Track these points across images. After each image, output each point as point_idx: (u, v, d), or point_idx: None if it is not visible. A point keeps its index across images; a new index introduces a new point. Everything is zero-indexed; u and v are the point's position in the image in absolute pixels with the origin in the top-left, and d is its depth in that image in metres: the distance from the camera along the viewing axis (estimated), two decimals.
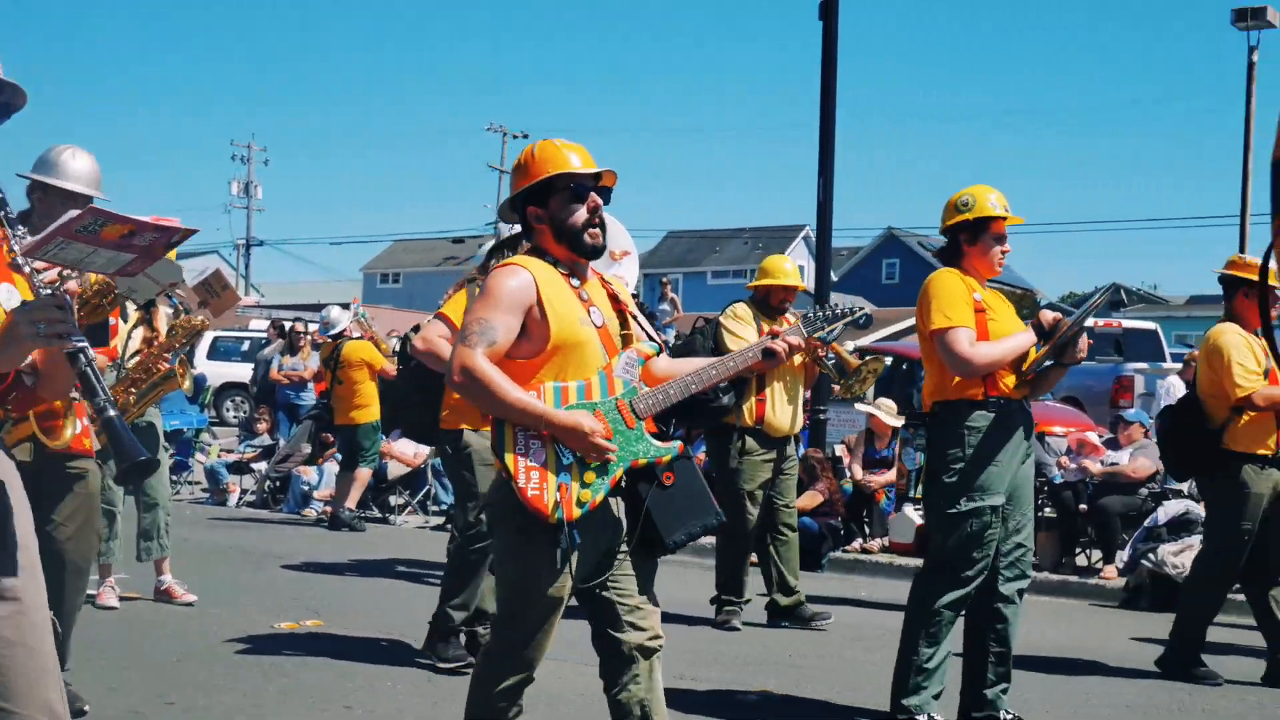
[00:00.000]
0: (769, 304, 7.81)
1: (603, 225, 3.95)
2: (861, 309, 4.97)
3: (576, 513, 3.73)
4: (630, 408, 3.87)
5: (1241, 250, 22.87)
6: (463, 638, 6.34)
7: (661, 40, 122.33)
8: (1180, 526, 9.50)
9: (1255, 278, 6.61)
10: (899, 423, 11.52)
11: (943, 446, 5.35)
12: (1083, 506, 10.61)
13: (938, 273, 5.48)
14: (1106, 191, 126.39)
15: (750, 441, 7.70)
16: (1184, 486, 10.55)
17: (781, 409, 7.72)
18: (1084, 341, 5.38)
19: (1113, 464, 10.83)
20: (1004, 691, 5.47)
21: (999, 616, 5.39)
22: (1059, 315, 5.44)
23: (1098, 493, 10.54)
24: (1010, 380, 5.32)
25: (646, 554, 3.98)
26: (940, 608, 5.29)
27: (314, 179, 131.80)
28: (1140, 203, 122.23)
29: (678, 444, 4.01)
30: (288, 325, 18.02)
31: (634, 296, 4.53)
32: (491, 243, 6.98)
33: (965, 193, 5.50)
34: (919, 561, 10.48)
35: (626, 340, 3.98)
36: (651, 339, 4.13)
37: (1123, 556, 10.10)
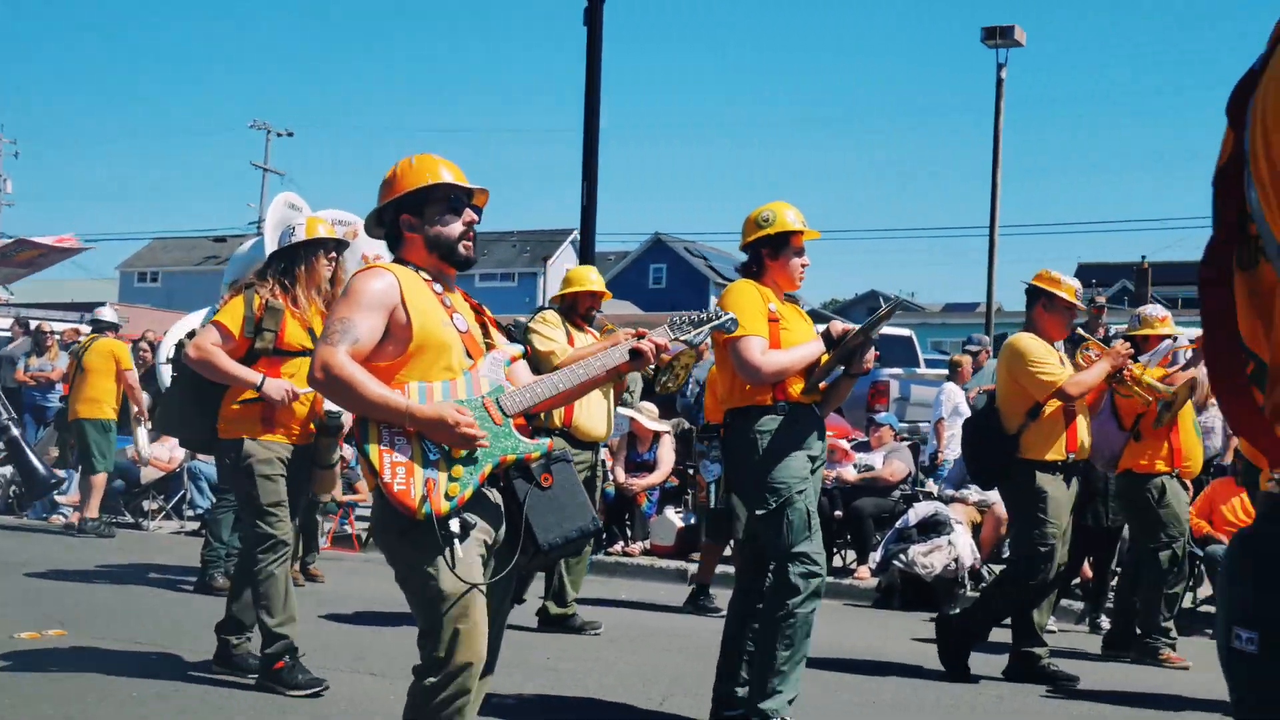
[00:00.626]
0: (576, 311, 7.87)
1: (475, 239, 4.02)
2: (729, 314, 4.97)
3: (445, 507, 3.68)
4: (497, 405, 3.87)
5: (991, 260, 23.96)
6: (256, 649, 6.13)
7: (428, 41, 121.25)
8: (930, 528, 9.81)
9: (1059, 292, 7.03)
10: (660, 426, 11.62)
11: (737, 452, 5.45)
12: (838, 513, 10.86)
13: (736, 283, 5.58)
14: (865, 201, 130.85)
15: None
16: (934, 489, 10.98)
17: (592, 413, 7.73)
18: (871, 352, 5.54)
19: (868, 467, 11.18)
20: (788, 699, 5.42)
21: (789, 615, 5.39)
22: (849, 326, 5.60)
23: (851, 495, 10.86)
24: (798, 387, 5.42)
25: (513, 552, 3.89)
26: (796, 608, 5.28)
27: (68, 173, 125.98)
28: (898, 213, 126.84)
29: (548, 442, 4.00)
30: (34, 324, 17.15)
31: None
32: (253, 241, 6.80)
33: (765, 209, 5.61)
34: (680, 564, 10.80)
35: (489, 348, 4.01)
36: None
37: (875, 557, 10.43)
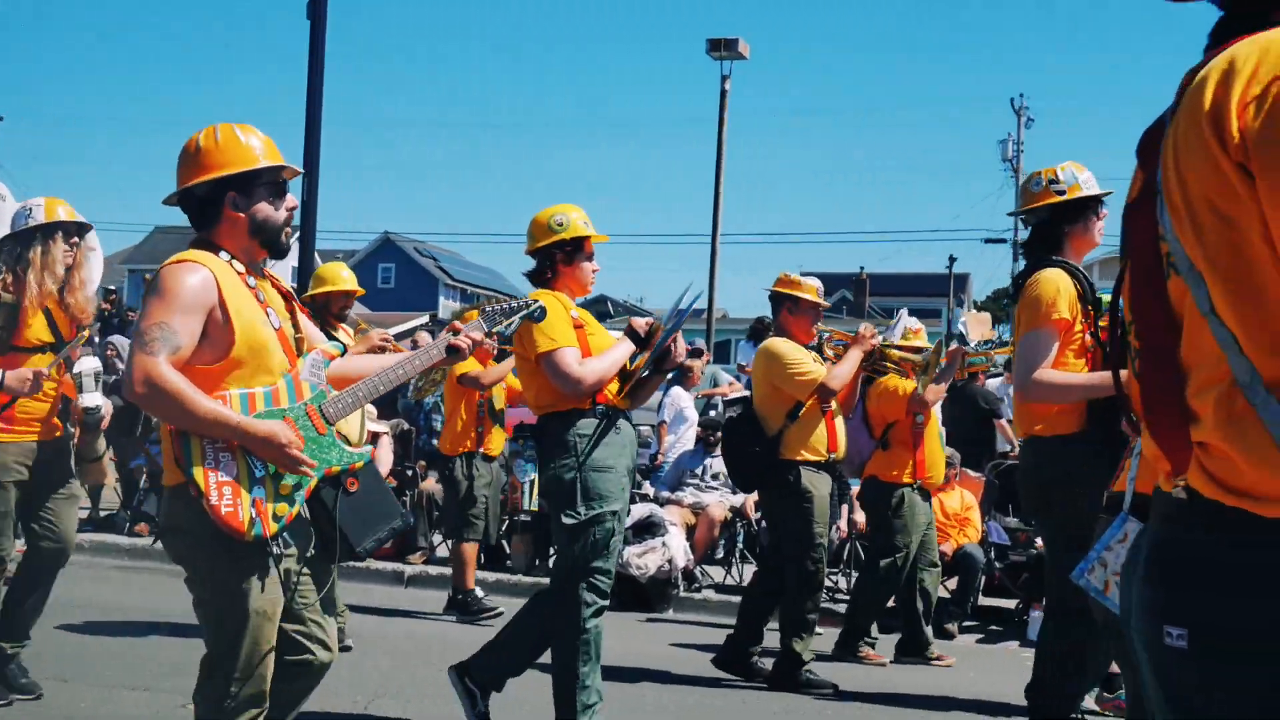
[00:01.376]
0: (330, 310, 7.62)
1: (293, 226, 3.87)
2: (537, 302, 4.84)
3: (274, 528, 3.53)
4: (320, 413, 3.71)
5: (712, 267, 24.47)
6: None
7: (143, 30, 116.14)
8: (644, 529, 9.85)
9: (802, 294, 7.19)
10: (378, 427, 11.38)
11: (555, 457, 5.28)
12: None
13: (536, 295, 5.32)
14: (595, 206, 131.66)
15: None
16: (650, 491, 11.09)
17: (350, 417, 7.51)
18: (681, 347, 5.44)
19: None
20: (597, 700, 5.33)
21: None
22: (652, 321, 5.50)
23: None
24: (613, 389, 5.31)
25: (329, 559, 3.80)
26: (585, 621, 5.17)
27: None
28: (627, 219, 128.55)
29: (370, 449, 3.89)
30: None
31: None
32: None
33: (556, 213, 5.45)
34: (396, 565, 10.48)
35: (299, 342, 3.81)
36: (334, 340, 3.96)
37: None
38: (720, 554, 10.74)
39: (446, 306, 52.24)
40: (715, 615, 9.30)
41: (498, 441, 8.89)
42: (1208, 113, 1.73)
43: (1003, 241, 42.78)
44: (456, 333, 4.19)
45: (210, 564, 3.57)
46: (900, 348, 7.90)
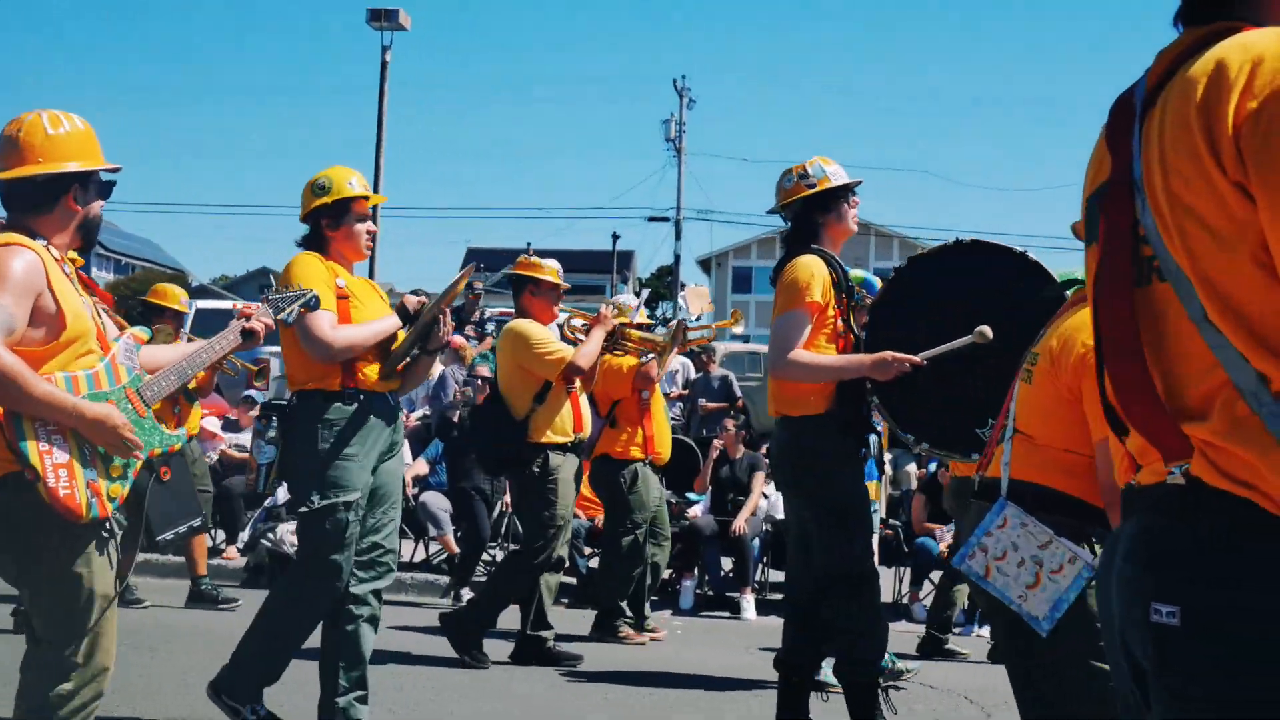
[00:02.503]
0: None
1: None
2: (311, 291, 4.63)
3: (110, 509, 3.55)
4: (139, 395, 3.72)
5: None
6: None
7: None
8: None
9: (543, 275, 7.28)
10: None
11: (297, 440, 5.04)
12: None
13: (298, 256, 5.09)
14: (253, 176, 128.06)
15: None
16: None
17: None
18: (448, 325, 5.23)
19: (240, 447, 10.97)
20: (359, 700, 5.14)
21: (349, 618, 5.10)
22: (424, 299, 5.26)
23: (220, 475, 10.57)
24: (372, 371, 5.10)
25: (132, 546, 3.82)
26: (301, 613, 5.01)
27: None
28: (287, 189, 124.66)
29: (185, 431, 3.91)
30: None
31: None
32: None
33: (322, 175, 5.19)
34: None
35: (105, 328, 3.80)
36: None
37: (244, 536, 10.22)
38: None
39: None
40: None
41: (194, 422, 8.60)
42: (1200, 125, 1.73)
43: (665, 220, 43.78)
44: (248, 318, 4.22)
45: (45, 547, 3.54)
46: (640, 327, 8.06)
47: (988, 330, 4.97)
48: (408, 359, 5.19)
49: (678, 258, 43.17)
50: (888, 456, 13.31)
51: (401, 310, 5.19)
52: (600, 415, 8.06)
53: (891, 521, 10.79)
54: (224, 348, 4.13)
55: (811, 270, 5.26)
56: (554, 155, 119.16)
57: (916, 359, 5.07)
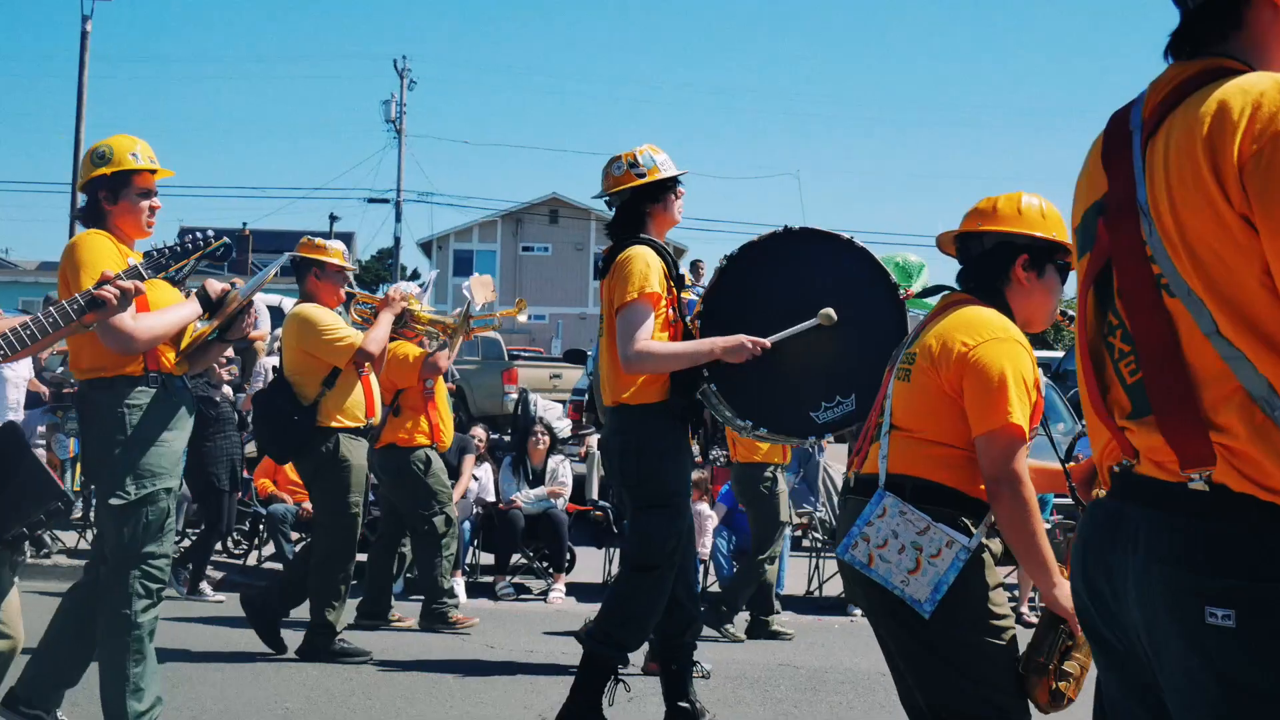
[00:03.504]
0: None
1: None
2: (223, 238, 4.13)
3: None
4: None
5: (72, 216, 22.97)
6: None
7: None
8: None
9: (328, 258, 7.08)
10: None
11: (100, 429, 4.70)
12: None
13: (83, 235, 4.72)
14: None
15: None
16: None
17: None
18: (253, 315, 5.00)
19: None
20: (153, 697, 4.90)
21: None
22: (227, 286, 4.94)
23: None
24: (172, 355, 4.83)
25: None
26: (138, 617, 4.68)
27: None
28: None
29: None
30: None
31: None
32: None
33: (103, 143, 4.82)
34: None
35: None
36: None
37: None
38: None
39: None
40: None
41: None
42: (1207, 161, 1.90)
43: (385, 201, 43.23)
44: (106, 281, 3.83)
45: None
46: (430, 317, 8.04)
47: (832, 313, 5.08)
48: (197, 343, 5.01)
49: (398, 240, 42.70)
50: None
51: (202, 294, 4.91)
52: (384, 404, 7.94)
53: (601, 503, 10.93)
54: (61, 320, 3.86)
55: (646, 260, 5.30)
56: (269, 134, 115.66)
57: (766, 342, 5.12)
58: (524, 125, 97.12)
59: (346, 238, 51.78)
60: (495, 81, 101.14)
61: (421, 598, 8.44)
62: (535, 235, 53.81)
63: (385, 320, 7.23)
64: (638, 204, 5.53)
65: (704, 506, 10.14)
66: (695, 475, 10.44)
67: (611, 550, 10.48)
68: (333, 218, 49.52)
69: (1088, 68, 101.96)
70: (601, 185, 5.63)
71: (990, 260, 3.59)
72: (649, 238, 5.48)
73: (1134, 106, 2.14)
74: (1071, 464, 3.58)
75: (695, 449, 5.76)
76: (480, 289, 8.10)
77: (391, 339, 7.55)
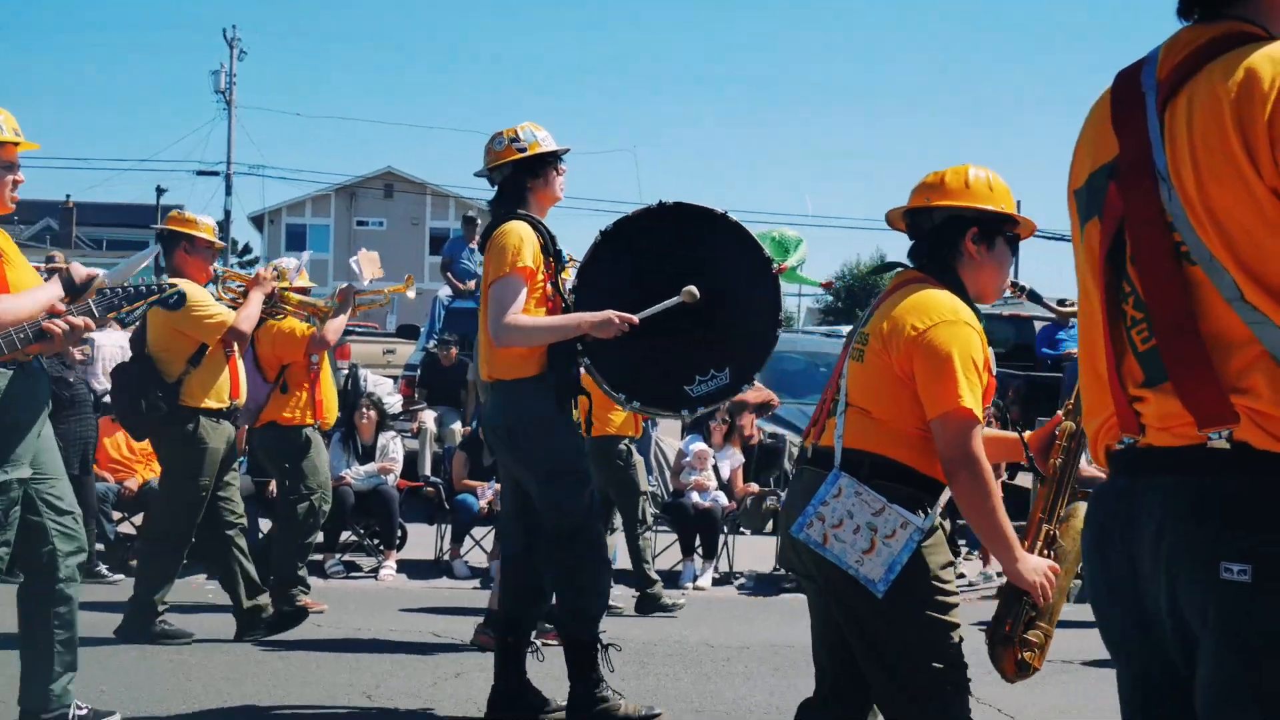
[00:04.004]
0: None
1: None
2: (174, 285, 3.93)
3: None
4: None
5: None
6: None
7: None
8: None
9: (199, 233, 6.94)
10: None
11: None
12: None
13: None
14: None
15: None
16: None
17: None
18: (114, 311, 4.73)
19: None
20: (71, 683, 4.90)
21: (61, 598, 4.84)
22: (94, 272, 4.75)
23: None
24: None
25: None
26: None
27: None
28: None
29: None
30: None
31: None
32: None
33: None
34: None
35: None
36: None
37: None
38: None
39: None
40: None
41: None
42: (1236, 133, 1.89)
43: (215, 174, 42.21)
44: (55, 315, 3.85)
45: None
46: (299, 290, 7.87)
47: (695, 290, 5.18)
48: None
49: (228, 214, 41.76)
50: (432, 414, 13.42)
51: (66, 277, 4.71)
52: (268, 381, 7.80)
53: (433, 479, 10.87)
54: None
55: (521, 235, 5.29)
56: (93, 104, 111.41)
57: (634, 318, 5.17)
58: (358, 98, 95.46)
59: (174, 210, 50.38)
60: (328, 53, 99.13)
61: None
62: (369, 209, 53.10)
63: (256, 299, 7.09)
64: (519, 180, 5.54)
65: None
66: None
67: (443, 526, 10.42)
68: (160, 190, 48.17)
69: (933, 43, 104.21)
70: (484, 161, 5.63)
71: (941, 235, 3.64)
72: (526, 213, 5.48)
73: (1145, 65, 2.11)
74: (1028, 433, 3.71)
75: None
76: (368, 265, 7.97)
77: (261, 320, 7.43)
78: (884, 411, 3.50)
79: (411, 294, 8.40)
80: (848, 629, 3.53)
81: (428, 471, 12.27)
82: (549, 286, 5.37)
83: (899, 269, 3.76)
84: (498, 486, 10.23)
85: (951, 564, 3.58)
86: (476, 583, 9.81)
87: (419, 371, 14.62)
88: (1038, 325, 16.96)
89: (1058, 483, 3.58)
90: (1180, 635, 2.03)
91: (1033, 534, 3.58)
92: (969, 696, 3.55)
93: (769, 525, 12.03)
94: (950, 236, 3.62)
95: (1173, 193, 1.99)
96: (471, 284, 15.42)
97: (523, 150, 5.51)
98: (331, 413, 8.32)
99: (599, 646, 5.44)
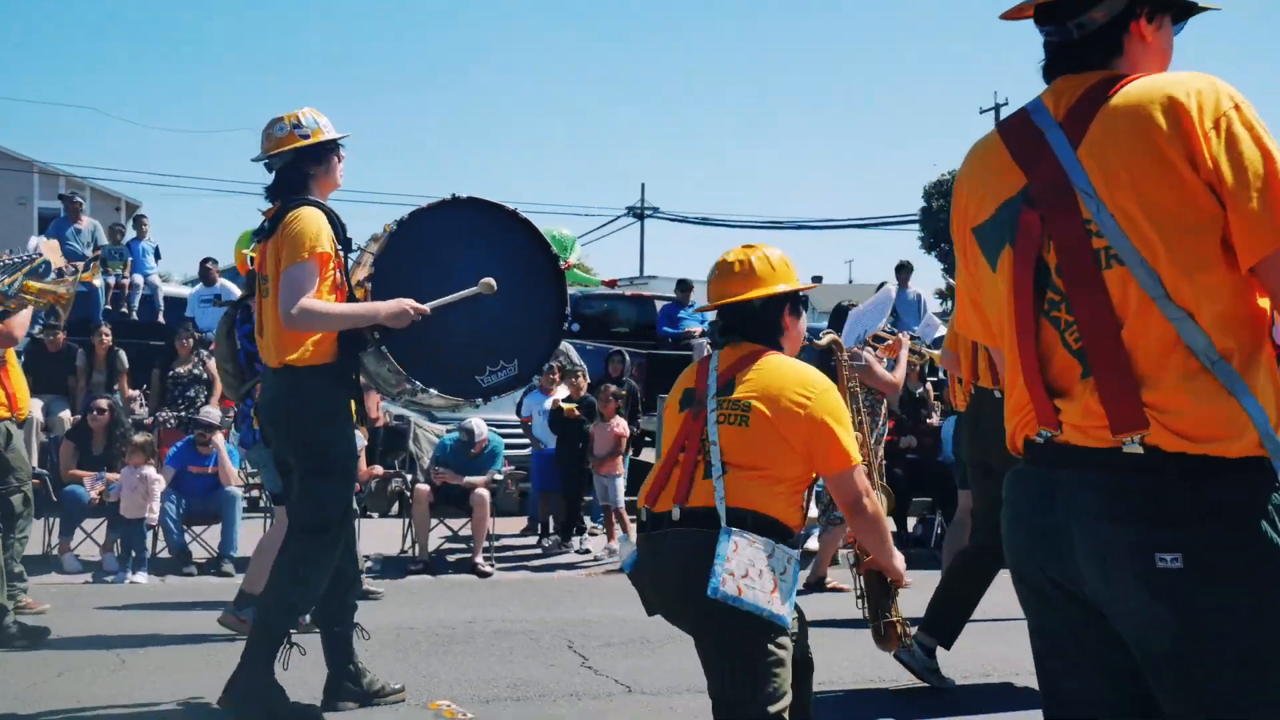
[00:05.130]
0: None
1: None
2: (41, 257, 3.29)
3: None
4: None
5: None
6: None
7: None
8: None
9: None
10: None
11: None
12: None
13: None
14: None
15: None
16: None
17: None
18: None
19: None
20: None
21: None
22: None
23: None
24: None
25: None
26: None
27: None
28: None
29: None
30: None
31: None
32: None
33: None
34: None
35: None
36: None
37: None
38: None
39: None
40: None
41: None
42: (1169, 138, 2.23)
43: None
44: None
45: None
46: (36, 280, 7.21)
47: (493, 282, 5.36)
48: None
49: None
50: (39, 402, 12.74)
51: None
52: None
53: (39, 470, 10.33)
54: None
55: (316, 222, 5.31)
56: None
57: (425, 308, 5.30)
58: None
59: None
60: None
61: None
62: None
63: None
64: (300, 166, 5.56)
65: (150, 470, 9.82)
66: (141, 438, 10.13)
67: (52, 519, 9.97)
68: None
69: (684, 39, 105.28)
70: (262, 147, 5.59)
71: (764, 316, 4.11)
72: (315, 199, 5.50)
73: (1033, 113, 2.48)
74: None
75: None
76: (51, 253, 7.47)
77: None
78: (770, 470, 3.85)
79: (98, 281, 8.02)
80: (718, 651, 3.80)
81: (35, 462, 11.64)
82: (339, 274, 5.41)
83: (732, 340, 4.15)
84: (109, 476, 9.89)
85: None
86: (89, 577, 9.42)
87: (22, 358, 13.83)
88: (659, 305, 17.61)
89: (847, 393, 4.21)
90: (1110, 599, 2.32)
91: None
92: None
93: (394, 508, 12.06)
94: (772, 316, 4.12)
95: (1101, 205, 2.30)
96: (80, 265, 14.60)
97: (306, 137, 5.56)
98: (24, 404, 7.89)
99: (286, 642, 5.49)
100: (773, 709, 3.70)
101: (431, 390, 5.51)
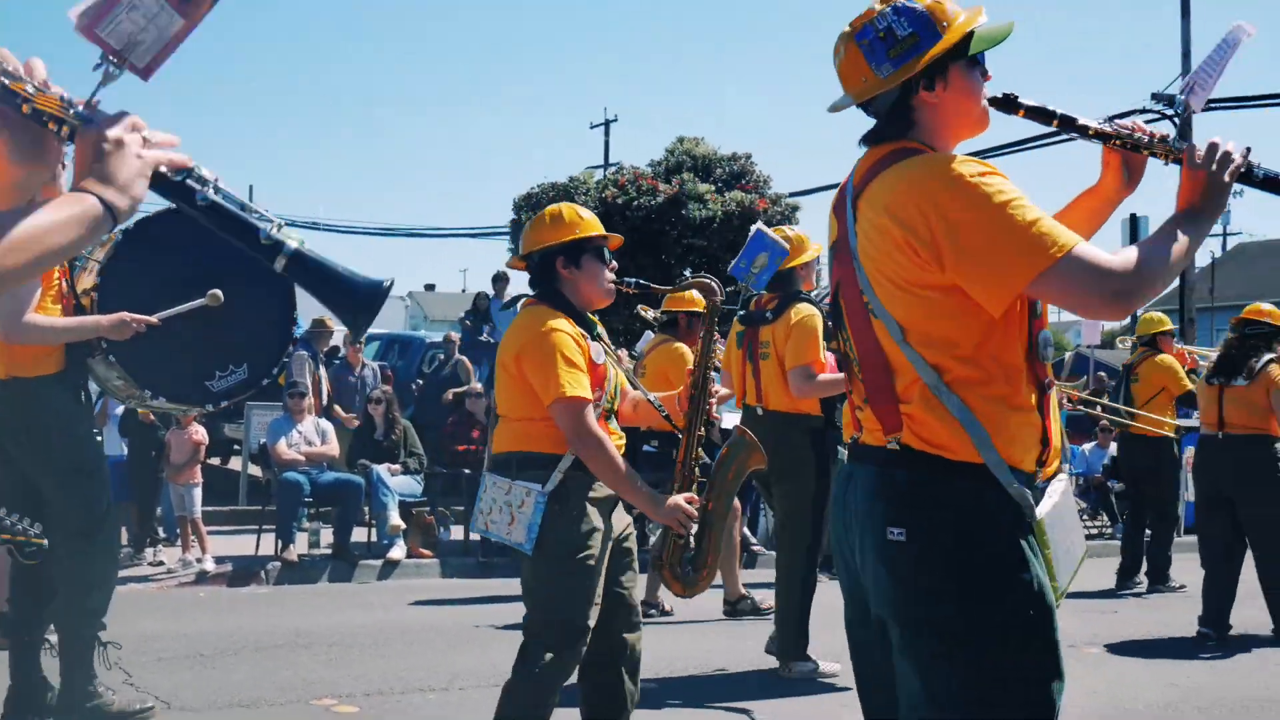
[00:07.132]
0: None
1: None
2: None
3: None
4: None
5: None
6: None
7: None
8: None
9: None
10: None
11: None
12: None
13: None
14: None
15: None
16: None
17: None
18: None
19: None
20: None
21: None
22: None
23: None
24: None
25: None
26: None
27: None
28: None
29: None
30: None
31: None
32: None
33: None
34: None
35: None
36: None
37: None
38: None
39: None
40: None
41: None
42: (895, 217, 2.70)
43: None
44: None
45: None
46: None
47: (219, 293, 5.40)
48: None
49: None
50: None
51: None
52: None
53: None
54: None
55: None
56: None
57: (152, 319, 5.28)
58: None
59: None
60: None
61: None
62: None
63: None
64: None
65: None
66: None
67: None
68: None
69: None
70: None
71: (542, 269, 4.46)
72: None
73: (851, 175, 2.93)
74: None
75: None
76: None
77: None
78: (520, 413, 4.32)
79: None
80: (523, 586, 4.34)
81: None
82: (64, 284, 5.39)
83: (524, 297, 4.57)
84: None
85: (596, 530, 4.29)
86: None
87: None
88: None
89: (688, 428, 4.61)
90: (862, 565, 2.83)
91: (677, 477, 4.57)
92: (582, 649, 4.27)
93: None
94: (548, 268, 4.44)
95: (860, 267, 2.81)
96: None
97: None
98: None
99: (98, 643, 5.53)
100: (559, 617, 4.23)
101: (160, 399, 5.61)
